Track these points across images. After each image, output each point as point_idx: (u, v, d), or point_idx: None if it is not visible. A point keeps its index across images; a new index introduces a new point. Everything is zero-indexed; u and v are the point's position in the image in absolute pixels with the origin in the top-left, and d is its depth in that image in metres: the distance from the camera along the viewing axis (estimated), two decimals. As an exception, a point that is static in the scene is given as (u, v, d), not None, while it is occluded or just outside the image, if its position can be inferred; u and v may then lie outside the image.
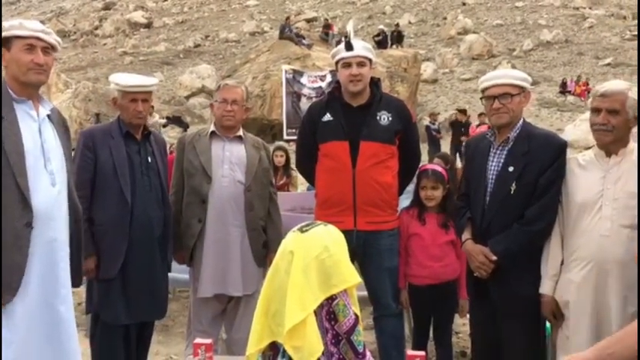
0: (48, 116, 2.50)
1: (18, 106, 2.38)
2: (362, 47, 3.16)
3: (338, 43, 18.66)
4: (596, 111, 2.51)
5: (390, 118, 3.14)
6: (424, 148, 15.66)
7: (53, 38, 2.46)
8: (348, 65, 3.10)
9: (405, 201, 4.58)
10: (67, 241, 2.50)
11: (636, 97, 2.44)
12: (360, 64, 3.10)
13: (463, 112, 15.47)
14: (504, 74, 2.83)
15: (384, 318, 3.27)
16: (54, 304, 2.41)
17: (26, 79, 2.38)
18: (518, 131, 2.76)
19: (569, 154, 2.78)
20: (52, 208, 2.40)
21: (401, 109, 3.23)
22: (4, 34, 2.36)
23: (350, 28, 3.33)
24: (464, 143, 3.40)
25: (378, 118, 3.13)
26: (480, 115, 13.47)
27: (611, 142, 2.50)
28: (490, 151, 2.80)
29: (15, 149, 2.30)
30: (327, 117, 3.18)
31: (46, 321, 2.39)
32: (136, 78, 3.19)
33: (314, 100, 10.48)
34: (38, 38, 2.38)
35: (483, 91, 2.82)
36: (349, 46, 3.10)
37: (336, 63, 3.21)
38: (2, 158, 2.27)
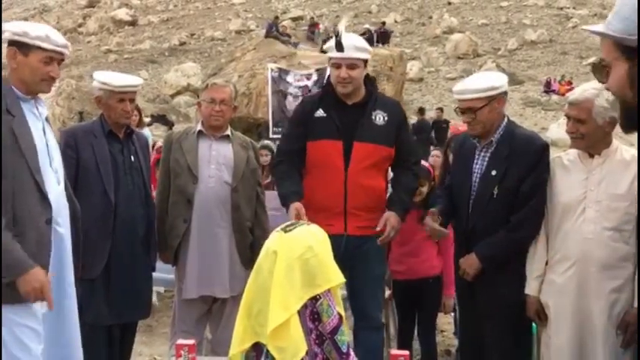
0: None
1: (24, 105, 2.39)
2: (353, 48, 2.92)
3: (324, 42, 18.64)
4: (567, 118, 2.52)
5: (386, 118, 2.97)
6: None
7: (68, 49, 2.49)
8: (338, 66, 2.94)
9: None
10: (70, 238, 2.52)
11: (605, 103, 2.39)
12: (351, 67, 2.91)
13: (421, 111, 16.55)
14: (466, 89, 2.72)
15: (365, 331, 3.04)
16: (61, 301, 2.44)
17: (37, 87, 2.42)
18: (501, 133, 2.73)
19: (554, 152, 2.78)
20: (59, 206, 2.44)
21: (396, 109, 3.09)
22: (23, 38, 2.35)
23: (342, 26, 2.97)
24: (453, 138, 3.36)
25: (373, 117, 2.96)
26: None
27: (585, 148, 2.51)
28: (475, 153, 2.79)
29: (29, 147, 2.32)
30: (320, 113, 2.98)
31: (55, 317, 2.41)
32: (125, 78, 3.17)
33: (300, 98, 10.46)
34: (59, 53, 2.40)
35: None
36: (339, 47, 2.90)
37: (329, 58, 3.04)
38: (17, 156, 2.28)
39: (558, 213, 2.55)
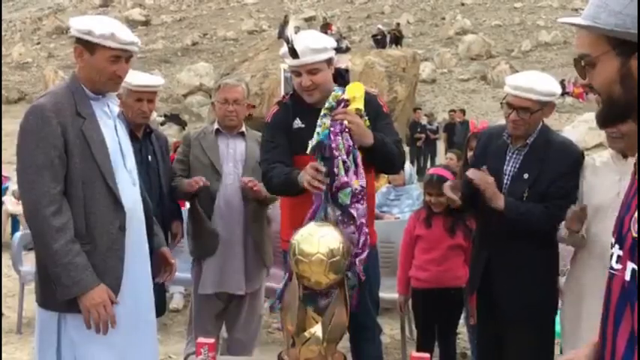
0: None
1: (95, 104, 2.27)
2: (309, 52, 2.53)
3: (337, 43, 18.77)
4: None
5: (364, 118, 2.57)
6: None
7: (137, 46, 2.32)
8: (297, 74, 2.60)
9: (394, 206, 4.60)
10: (146, 240, 2.41)
11: None
12: (312, 72, 2.55)
13: (417, 110, 16.71)
14: (531, 88, 2.59)
15: (361, 342, 2.79)
16: (141, 307, 2.36)
17: (103, 87, 2.26)
18: (535, 136, 2.67)
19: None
20: (135, 209, 2.29)
21: (372, 103, 2.64)
22: (88, 37, 2.20)
23: (290, 31, 2.58)
24: (477, 135, 3.13)
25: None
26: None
27: (625, 149, 2.46)
28: (506, 154, 2.72)
29: (101, 150, 2.19)
30: (298, 123, 2.66)
31: (138, 323, 2.33)
32: (144, 77, 3.15)
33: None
34: (126, 51, 2.25)
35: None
36: (293, 54, 2.53)
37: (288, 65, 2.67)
38: (87, 161, 2.16)
39: (589, 214, 2.51)
